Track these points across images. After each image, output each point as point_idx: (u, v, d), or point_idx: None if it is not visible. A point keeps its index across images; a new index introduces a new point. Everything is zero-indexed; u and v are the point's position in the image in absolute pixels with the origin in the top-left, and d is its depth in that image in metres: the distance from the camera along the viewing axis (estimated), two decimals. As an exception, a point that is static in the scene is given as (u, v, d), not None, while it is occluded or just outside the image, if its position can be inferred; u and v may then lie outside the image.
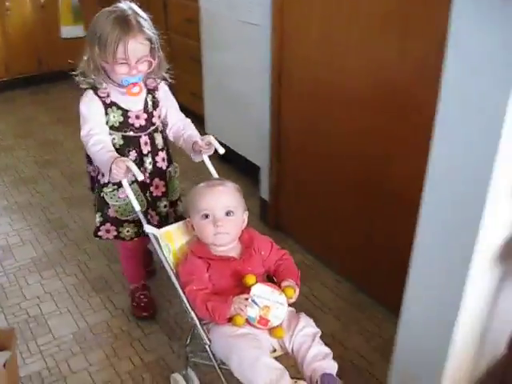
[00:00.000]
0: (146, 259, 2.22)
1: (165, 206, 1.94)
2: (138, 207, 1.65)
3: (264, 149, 2.50)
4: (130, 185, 1.70)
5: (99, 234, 1.91)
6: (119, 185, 1.79)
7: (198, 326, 1.51)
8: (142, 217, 1.65)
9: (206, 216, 1.55)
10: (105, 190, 1.85)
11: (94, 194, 1.93)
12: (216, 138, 1.76)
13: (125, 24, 1.66)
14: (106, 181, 1.82)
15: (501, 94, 1.06)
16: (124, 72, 1.70)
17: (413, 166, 1.56)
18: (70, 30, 4.49)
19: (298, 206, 2.45)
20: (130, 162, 1.61)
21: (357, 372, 1.83)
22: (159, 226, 1.69)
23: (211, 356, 1.49)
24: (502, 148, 1.11)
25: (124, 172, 1.61)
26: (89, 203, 2.76)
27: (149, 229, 1.61)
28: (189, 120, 1.93)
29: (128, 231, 1.90)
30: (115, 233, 1.90)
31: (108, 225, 1.89)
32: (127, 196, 1.69)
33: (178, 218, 1.94)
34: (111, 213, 1.87)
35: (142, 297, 2.08)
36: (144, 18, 1.73)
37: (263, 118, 2.45)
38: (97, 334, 1.99)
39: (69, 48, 4.47)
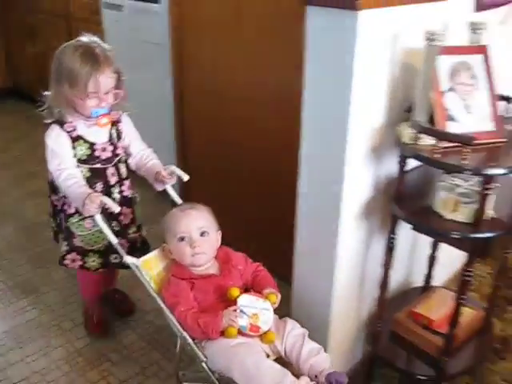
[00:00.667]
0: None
1: (133, 232, 1.99)
2: (114, 240, 1.72)
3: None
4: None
5: (65, 262, 1.95)
6: (85, 216, 1.80)
7: (192, 344, 1.56)
8: (119, 249, 1.71)
9: (183, 239, 1.64)
10: (71, 219, 1.89)
11: (54, 222, 1.98)
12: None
13: (94, 59, 1.71)
14: (73, 211, 1.87)
15: (343, 87, 1.41)
16: (94, 104, 1.75)
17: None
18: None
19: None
20: (104, 198, 1.70)
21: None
22: (130, 253, 1.75)
23: (209, 372, 1.53)
24: (351, 130, 1.45)
25: (97, 207, 1.68)
26: (11, 218, 2.97)
27: (129, 259, 1.67)
28: (150, 149, 1.98)
29: (93, 261, 1.93)
30: (80, 262, 1.94)
31: (74, 254, 1.93)
32: (93, 226, 1.83)
33: (144, 241, 2.04)
34: (77, 242, 1.91)
35: (97, 315, 2.14)
36: (108, 50, 1.78)
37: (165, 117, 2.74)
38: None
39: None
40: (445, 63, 1.46)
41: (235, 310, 1.51)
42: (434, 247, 1.96)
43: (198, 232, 1.65)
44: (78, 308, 2.26)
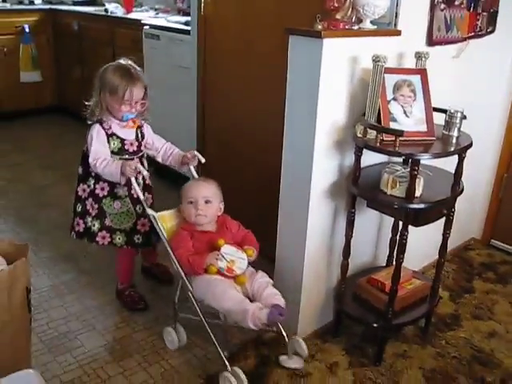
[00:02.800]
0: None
1: None
2: (141, 196, 2.26)
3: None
4: (123, 198, 2.36)
5: (97, 239, 2.41)
6: (115, 197, 2.35)
7: (184, 276, 2.10)
8: (144, 203, 2.26)
9: (191, 202, 2.16)
10: (104, 201, 2.37)
11: (83, 206, 2.43)
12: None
13: (130, 76, 2.27)
14: (106, 194, 2.35)
15: (312, 95, 1.94)
16: (126, 110, 2.28)
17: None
18: (29, 76, 5.23)
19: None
20: (138, 164, 2.24)
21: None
22: (150, 228, 2.37)
23: (193, 300, 2.07)
24: (317, 128, 1.99)
25: (134, 170, 2.20)
26: (55, 207, 3.53)
27: (150, 211, 2.20)
28: (169, 142, 2.50)
29: (119, 238, 2.40)
30: (109, 239, 2.40)
31: (104, 232, 2.39)
32: (120, 208, 2.36)
33: None
34: (107, 222, 2.38)
35: (132, 293, 2.57)
36: (139, 70, 2.34)
37: (191, 127, 3.30)
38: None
39: (26, 91, 5.25)
40: (390, 79, 1.98)
41: (218, 255, 2.03)
42: (393, 231, 2.43)
43: (203, 199, 2.16)
44: (108, 271, 2.78)
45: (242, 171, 3.01)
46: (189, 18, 3.34)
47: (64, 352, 2.27)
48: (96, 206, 2.40)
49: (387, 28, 2.12)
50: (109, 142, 2.32)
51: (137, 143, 2.40)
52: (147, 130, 2.47)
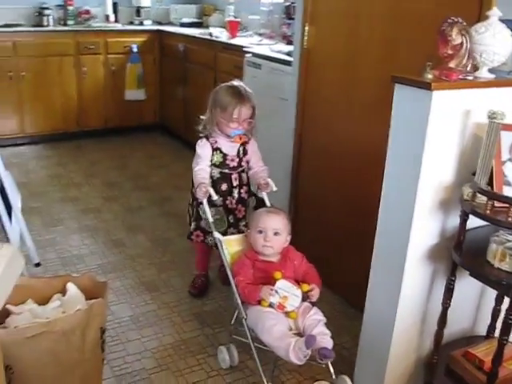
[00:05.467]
0: None
1: (243, 225, 2.62)
2: (210, 218, 2.39)
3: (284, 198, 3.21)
4: (218, 207, 2.55)
5: (192, 237, 2.68)
6: (210, 205, 2.46)
7: (240, 303, 2.15)
8: (212, 226, 2.38)
9: (260, 232, 2.19)
10: (201, 206, 2.54)
11: (191, 208, 2.69)
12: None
13: (240, 96, 2.48)
14: (201, 201, 2.49)
15: (417, 150, 1.76)
16: (235, 127, 2.49)
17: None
18: (133, 94, 5.38)
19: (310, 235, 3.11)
20: (209, 188, 2.38)
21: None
22: None
23: (245, 326, 2.13)
24: (420, 186, 1.80)
25: (203, 193, 2.37)
26: (145, 230, 3.54)
27: (216, 235, 2.31)
28: (266, 167, 2.64)
29: (211, 240, 2.59)
30: (202, 238, 2.65)
31: (199, 232, 2.65)
32: (214, 215, 2.47)
33: None
34: (202, 224, 2.62)
35: (199, 281, 2.85)
36: (249, 91, 2.54)
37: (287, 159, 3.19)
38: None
39: (130, 108, 5.40)
40: (508, 137, 1.76)
41: (272, 289, 2.03)
42: (497, 301, 2.18)
43: (272, 231, 2.18)
44: (189, 308, 2.74)
45: (330, 205, 2.89)
46: (291, 48, 3.24)
47: (136, 391, 2.21)
48: (195, 209, 2.64)
49: (507, 77, 1.90)
50: (213, 154, 2.55)
51: (237, 159, 2.60)
52: (252, 146, 2.64)
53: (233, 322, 2.33)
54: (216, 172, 2.57)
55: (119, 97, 5.35)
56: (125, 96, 5.37)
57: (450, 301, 1.95)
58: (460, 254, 1.83)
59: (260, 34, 4.77)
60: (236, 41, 4.44)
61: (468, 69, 1.82)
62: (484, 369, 1.97)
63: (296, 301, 2.06)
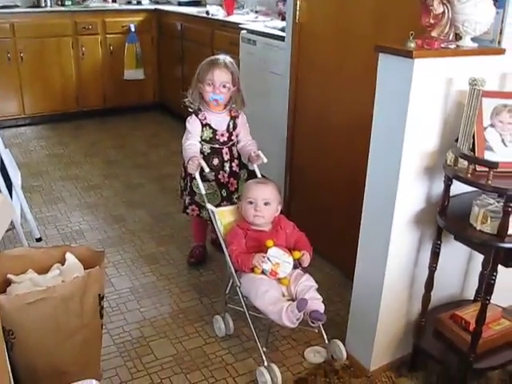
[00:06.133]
0: None
1: (236, 198, 2.65)
2: (203, 191, 2.42)
3: (280, 170, 3.26)
4: (211, 181, 2.59)
5: (187, 211, 2.72)
6: (203, 180, 2.51)
7: (233, 272, 2.21)
8: (205, 198, 2.41)
9: (251, 202, 2.23)
10: (194, 182, 2.59)
11: (182, 182, 2.75)
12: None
13: (215, 60, 2.56)
14: (194, 175, 2.50)
15: (400, 118, 1.81)
16: (210, 90, 2.53)
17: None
18: (132, 74, 5.41)
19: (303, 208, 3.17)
20: (201, 160, 2.42)
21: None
22: None
23: (239, 294, 2.18)
24: (404, 153, 1.85)
25: (196, 166, 2.41)
26: (144, 206, 3.60)
27: (209, 206, 2.35)
28: (254, 141, 2.68)
29: (206, 214, 2.61)
30: (198, 212, 2.70)
31: (194, 206, 2.69)
32: (207, 189, 2.51)
33: None
34: (196, 198, 2.66)
35: (197, 251, 2.93)
36: (230, 60, 2.60)
37: (281, 132, 3.25)
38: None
39: (129, 88, 5.44)
40: (488, 104, 1.80)
41: (264, 257, 2.08)
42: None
43: (262, 201, 2.22)
44: (187, 279, 2.82)
45: (325, 173, 2.94)
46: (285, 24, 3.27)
47: (134, 358, 2.29)
48: (189, 184, 2.67)
49: (489, 46, 1.94)
50: (202, 130, 2.58)
51: (227, 134, 2.63)
52: (241, 119, 2.67)
53: (227, 291, 2.38)
54: (207, 147, 2.61)
55: (118, 77, 5.38)
56: (124, 76, 5.39)
57: (437, 264, 2.02)
58: (444, 219, 1.89)
59: (256, 12, 4.79)
60: (232, 18, 4.46)
61: (450, 38, 1.86)
62: (469, 330, 2.04)
63: (288, 267, 2.11)
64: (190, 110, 2.62)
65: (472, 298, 2.34)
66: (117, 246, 3.12)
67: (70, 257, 2.06)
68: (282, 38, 3.33)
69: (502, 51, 1.92)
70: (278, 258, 2.10)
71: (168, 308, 2.60)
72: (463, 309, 2.17)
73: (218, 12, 4.62)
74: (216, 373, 2.23)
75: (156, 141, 4.94)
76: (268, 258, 2.09)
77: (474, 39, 1.90)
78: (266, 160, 2.51)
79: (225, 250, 2.27)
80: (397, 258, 2.04)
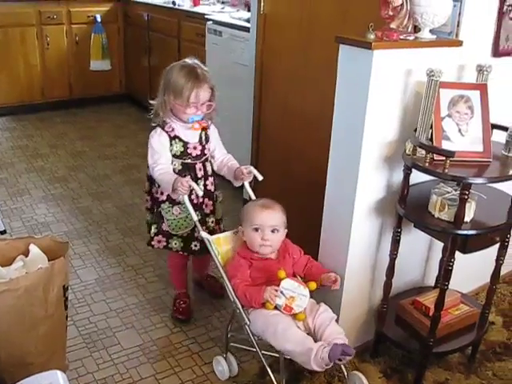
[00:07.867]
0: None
1: (212, 222, 2.34)
2: (195, 217, 2.12)
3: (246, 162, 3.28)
4: (183, 203, 2.16)
5: (152, 243, 2.34)
6: (174, 203, 2.24)
7: (241, 309, 1.94)
8: (198, 225, 2.12)
9: (257, 229, 1.98)
10: (162, 206, 2.27)
11: (150, 213, 2.38)
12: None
13: (195, 77, 2.14)
14: (164, 198, 2.25)
15: (360, 108, 1.85)
16: (192, 112, 2.17)
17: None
18: (99, 64, 5.33)
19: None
20: (191, 181, 2.09)
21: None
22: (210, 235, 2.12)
23: (249, 333, 1.94)
24: (364, 142, 1.89)
25: (187, 189, 2.07)
26: (110, 198, 3.59)
27: (203, 234, 2.06)
28: (230, 155, 2.38)
29: (176, 244, 2.31)
30: (165, 243, 2.32)
31: (160, 236, 2.31)
32: (179, 214, 2.24)
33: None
34: (164, 226, 2.29)
35: (181, 303, 2.46)
36: (206, 70, 2.21)
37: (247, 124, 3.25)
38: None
39: (96, 79, 5.38)
40: (446, 94, 1.86)
41: (276, 290, 1.84)
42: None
43: (270, 229, 1.99)
44: (153, 270, 2.82)
45: (289, 163, 2.96)
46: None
47: (101, 348, 2.29)
48: (156, 210, 2.33)
49: (447, 38, 1.98)
50: (171, 144, 2.22)
51: (200, 147, 2.28)
52: (213, 132, 2.36)
53: (229, 328, 2.16)
54: (177, 163, 2.24)
55: (84, 67, 5.30)
56: (90, 66, 5.32)
57: (397, 252, 2.07)
58: (404, 207, 1.93)
59: (223, 2, 4.78)
60: (198, 9, 4.44)
61: (409, 29, 1.90)
62: (429, 315, 2.10)
63: (304, 301, 1.87)
64: (153, 124, 2.27)
65: (433, 285, 2.41)
66: (83, 238, 3.10)
67: (33, 248, 2.05)
68: (247, 29, 3.34)
69: (459, 43, 1.97)
70: (293, 291, 1.86)
71: (134, 299, 2.60)
72: (424, 295, 2.23)
73: (184, 3, 4.60)
74: (182, 362, 2.24)
75: (123, 132, 4.91)
76: (281, 292, 1.85)
77: (432, 31, 1.95)
78: (261, 178, 2.20)
79: (227, 283, 2.00)
80: (358, 245, 2.09)
